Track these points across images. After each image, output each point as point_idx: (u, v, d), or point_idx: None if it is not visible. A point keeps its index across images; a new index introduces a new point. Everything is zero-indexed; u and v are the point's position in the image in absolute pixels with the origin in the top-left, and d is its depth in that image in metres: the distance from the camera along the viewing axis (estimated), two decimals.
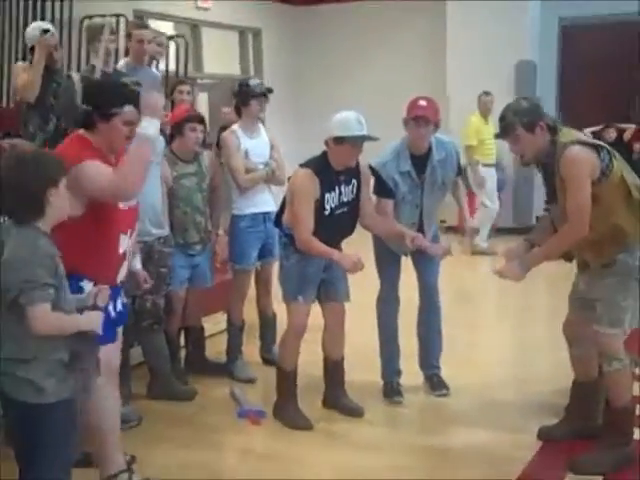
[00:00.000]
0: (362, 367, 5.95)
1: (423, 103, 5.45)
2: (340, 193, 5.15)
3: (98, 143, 4.00)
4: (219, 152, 6.41)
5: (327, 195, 5.09)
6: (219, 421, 5.49)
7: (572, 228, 4.40)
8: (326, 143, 5.11)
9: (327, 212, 5.10)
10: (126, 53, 7.26)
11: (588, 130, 9.38)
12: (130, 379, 5.51)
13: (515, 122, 4.51)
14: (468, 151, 11.10)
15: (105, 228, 3.97)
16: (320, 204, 5.07)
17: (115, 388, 4.25)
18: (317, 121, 11.36)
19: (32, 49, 6.15)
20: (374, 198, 5.49)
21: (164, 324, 5.80)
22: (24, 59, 6.94)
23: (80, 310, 3.50)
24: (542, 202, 5.09)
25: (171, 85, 7.32)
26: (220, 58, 14.09)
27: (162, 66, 8.60)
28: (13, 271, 3.27)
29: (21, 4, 9.50)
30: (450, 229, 9.34)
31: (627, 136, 11.61)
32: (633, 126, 11.87)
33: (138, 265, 5.05)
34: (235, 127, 6.22)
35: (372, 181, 5.41)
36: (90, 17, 9.77)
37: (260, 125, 6.34)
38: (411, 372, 5.87)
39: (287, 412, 5.35)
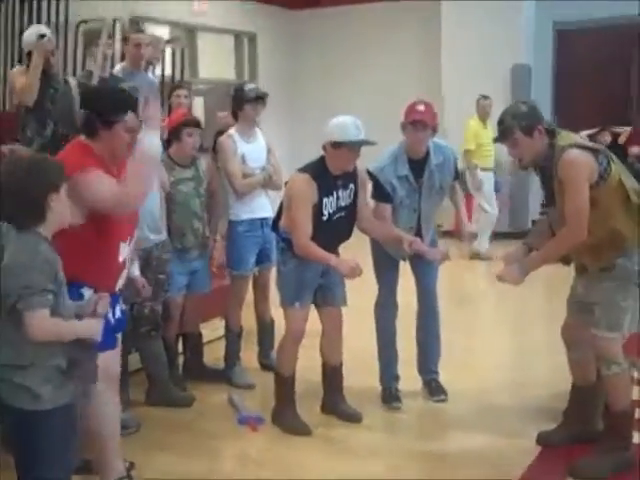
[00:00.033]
0: (360, 372, 5.95)
1: (421, 107, 5.45)
2: (338, 198, 5.15)
3: (100, 150, 4.00)
4: (215, 157, 6.39)
5: (325, 200, 5.08)
6: (217, 427, 5.47)
7: (570, 232, 4.40)
8: (324, 148, 5.11)
9: (325, 217, 5.10)
10: (122, 57, 7.26)
11: (583, 133, 9.37)
12: (128, 385, 5.50)
13: (514, 126, 4.51)
14: (467, 155, 11.08)
15: (106, 237, 3.97)
16: (318, 209, 5.06)
17: (115, 394, 4.25)
18: (312, 125, 11.40)
19: (29, 53, 6.14)
20: (372, 202, 5.48)
21: (162, 330, 5.79)
22: (20, 62, 6.92)
23: (79, 317, 3.50)
24: (537, 206, 5.09)
25: (168, 89, 7.31)
26: (215, 62, 14.08)
27: (158, 71, 8.59)
28: (12, 276, 3.27)
29: (16, 8, 9.48)
30: (447, 233, 9.33)
31: (622, 139, 11.61)
32: (628, 129, 11.89)
33: (136, 272, 5.05)
34: (232, 132, 6.21)
35: (370, 185, 5.41)
36: (86, 21, 9.80)
37: (257, 130, 6.32)
38: (409, 377, 5.87)
39: (286, 418, 5.34)
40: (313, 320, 5.39)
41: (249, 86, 6.32)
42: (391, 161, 5.47)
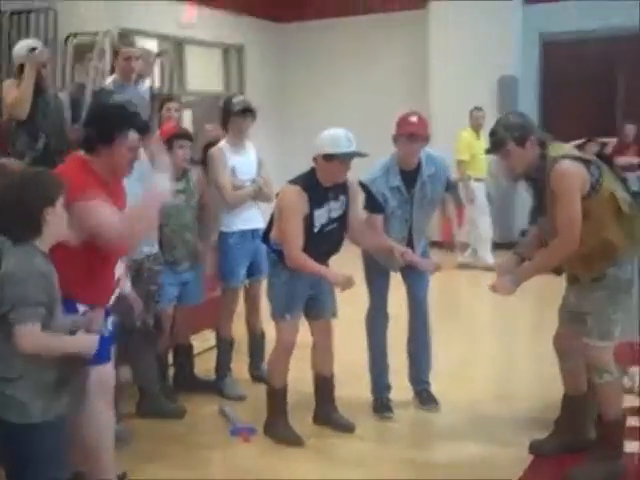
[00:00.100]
0: (351, 383, 5.98)
1: (414, 119, 5.49)
2: (329, 209, 5.17)
3: (98, 166, 4.00)
4: (206, 169, 6.40)
5: (316, 212, 5.10)
6: (209, 438, 5.48)
7: (563, 242, 4.43)
8: (315, 160, 5.13)
9: (316, 229, 5.12)
10: (112, 71, 7.27)
11: (570, 144, 9.43)
12: (119, 398, 5.50)
13: (506, 137, 4.54)
14: (460, 166, 11.11)
15: (104, 258, 3.99)
16: (309, 221, 5.08)
17: (110, 407, 4.25)
18: (300, 137, 11.42)
19: (20, 67, 6.14)
20: (364, 213, 5.51)
21: (154, 342, 5.78)
22: (7, 77, 6.91)
23: (74, 332, 3.50)
24: (523, 216, 5.12)
25: (157, 102, 7.32)
26: (204, 75, 14.10)
27: (147, 83, 8.61)
28: (7, 288, 3.28)
29: (4, 22, 9.50)
30: (435, 244, 9.34)
31: (608, 150, 11.68)
32: (614, 140, 11.97)
33: (128, 288, 5.05)
34: (222, 144, 6.23)
35: (361, 196, 5.44)
36: (75, 35, 9.82)
37: (247, 142, 6.34)
38: (401, 387, 5.88)
39: (278, 429, 5.35)
40: (304, 331, 5.41)
41: (237, 99, 6.35)
42: (383, 172, 5.50)
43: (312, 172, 5.17)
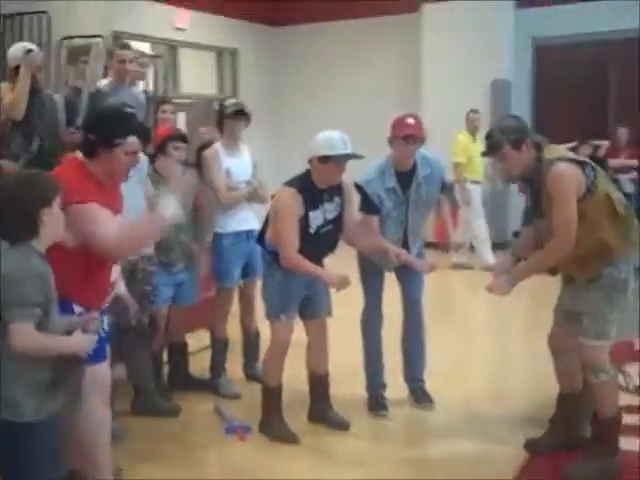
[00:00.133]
0: (346, 381, 5.99)
1: (411, 121, 5.52)
2: (324, 211, 5.19)
3: (97, 170, 4.00)
4: (200, 172, 6.42)
5: (311, 213, 5.13)
6: (204, 437, 5.49)
7: (559, 243, 4.46)
8: (310, 162, 5.15)
9: (312, 230, 5.14)
10: (105, 73, 7.30)
11: (563, 147, 9.47)
12: (114, 396, 5.51)
13: (502, 140, 4.56)
14: (457, 168, 11.15)
15: (100, 260, 3.99)
16: (304, 222, 5.10)
17: (106, 406, 4.25)
18: (294, 140, 11.47)
19: (15, 70, 6.15)
20: (359, 214, 5.53)
21: (149, 341, 5.80)
22: (2, 79, 6.92)
23: (70, 332, 3.51)
24: (516, 218, 5.13)
25: (152, 105, 7.34)
26: (197, 78, 14.14)
27: (141, 86, 8.63)
28: (3, 288, 3.29)
29: None
30: (429, 245, 9.36)
31: (601, 153, 11.73)
32: (606, 143, 12.02)
33: (123, 289, 5.06)
34: (217, 146, 6.25)
35: (357, 198, 5.46)
36: (69, 38, 9.83)
37: (243, 145, 6.37)
38: (396, 385, 5.91)
39: (273, 427, 5.37)
40: (298, 330, 5.43)
41: (230, 101, 6.39)
42: (378, 174, 5.52)
43: (307, 174, 5.20)
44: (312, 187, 5.15)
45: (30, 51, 6.16)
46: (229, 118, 6.19)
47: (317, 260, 5.21)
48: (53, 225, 3.44)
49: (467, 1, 12.79)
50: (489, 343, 8.05)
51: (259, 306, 5.76)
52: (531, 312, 8.69)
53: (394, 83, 14.03)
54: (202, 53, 14.17)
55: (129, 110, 4.24)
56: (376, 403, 5.79)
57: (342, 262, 5.50)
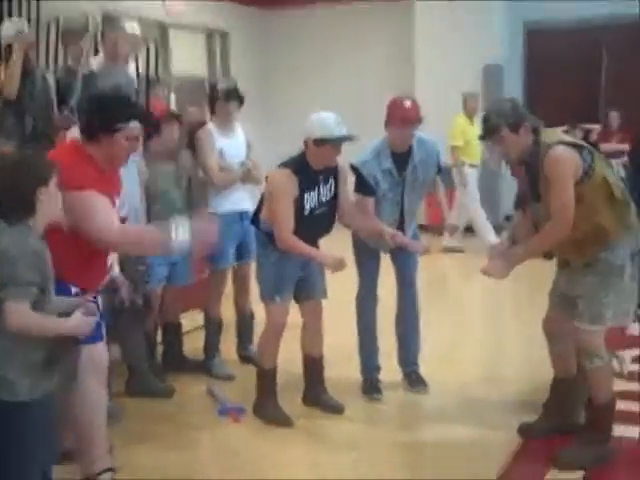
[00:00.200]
0: (341, 364, 5.99)
1: (408, 104, 5.48)
2: (319, 193, 5.17)
3: (96, 154, 3.98)
4: (194, 153, 6.39)
5: (306, 195, 5.10)
6: (198, 418, 5.49)
7: (556, 227, 4.44)
8: (305, 143, 5.12)
9: (307, 212, 5.12)
10: (95, 52, 7.25)
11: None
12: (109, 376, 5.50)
13: (500, 123, 4.52)
14: (454, 152, 11.12)
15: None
16: (299, 204, 5.08)
17: (103, 386, 4.26)
18: (285, 123, 11.42)
19: (7, 48, 6.10)
20: (355, 196, 5.51)
21: (143, 320, 5.77)
22: None
23: (68, 313, 3.48)
24: (509, 201, 5.10)
25: (142, 85, 7.31)
26: (188, 59, 14.05)
27: (132, 66, 8.57)
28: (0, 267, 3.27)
29: None
30: (421, 227, 9.36)
31: (593, 137, 11.75)
32: (598, 127, 12.03)
33: (116, 271, 5.04)
34: (210, 126, 6.23)
35: (352, 179, 5.44)
36: (58, 18, 9.72)
37: (236, 125, 6.32)
38: (390, 369, 5.90)
39: (267, 409, 5.36)
40: (293, 313, 5.41)
41: (221, 82, 6.37)
42: (374, 155, 5.49)
43: (302, 155, 5.16)
44: (307, 168, 5.12)
45: (22, 31, 6.11)
46: (222, 99, 6.14)
47: (312, 242, 5.19)
48: (50, 204, 3.43)
49: None
50: (483, 327, 8.06)
51: (254, 288, 5.72)
52: (526, 296, 8.69)
53: (386, 68, 13.98)
54: (192, 35, 14.09)
55: (128, 93, 4.22)
56: (370, 386, 5.78)
57: (337, 244, 5.47)
